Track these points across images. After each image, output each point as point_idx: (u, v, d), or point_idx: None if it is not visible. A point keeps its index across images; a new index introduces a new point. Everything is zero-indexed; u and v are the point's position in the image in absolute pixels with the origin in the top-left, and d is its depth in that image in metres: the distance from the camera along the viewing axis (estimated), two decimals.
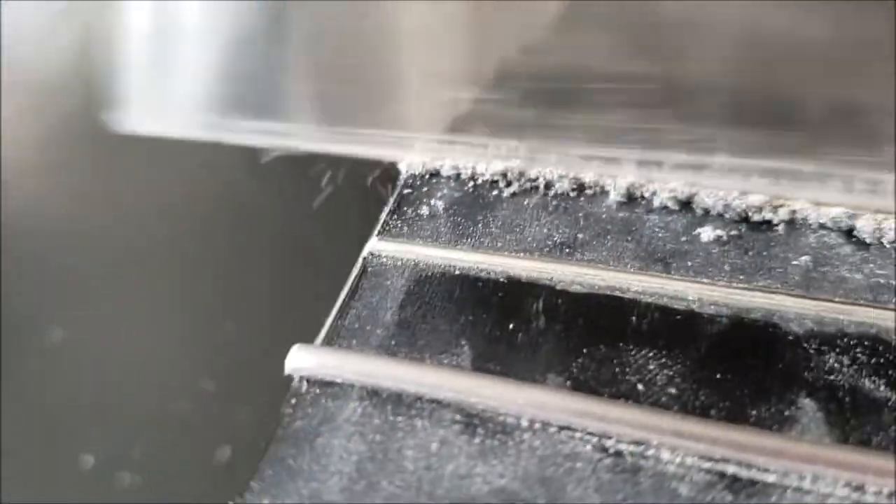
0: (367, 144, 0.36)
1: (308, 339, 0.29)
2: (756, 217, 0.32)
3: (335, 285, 0.31)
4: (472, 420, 0.26)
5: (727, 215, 0.32)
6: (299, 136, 0.37)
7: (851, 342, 0.28)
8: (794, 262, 0.30)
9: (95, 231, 0.44)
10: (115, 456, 0.35)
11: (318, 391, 0.27)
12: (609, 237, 0.31)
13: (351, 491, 0.25)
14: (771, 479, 0.25)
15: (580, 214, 0.32)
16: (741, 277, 0.30)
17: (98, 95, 0.41)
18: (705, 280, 0.30)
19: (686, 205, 0.33)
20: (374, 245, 0.31)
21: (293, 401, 0.27)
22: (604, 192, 0.33)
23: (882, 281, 0.30)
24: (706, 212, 0.32)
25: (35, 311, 0.41)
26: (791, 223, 0.32)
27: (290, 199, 0.41)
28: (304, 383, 0.27)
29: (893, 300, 0.29)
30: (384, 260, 0.31)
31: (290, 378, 0.28)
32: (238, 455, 0.34)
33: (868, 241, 0.31)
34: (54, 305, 0.41)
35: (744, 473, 0.25)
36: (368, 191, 0.36)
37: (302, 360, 0.27)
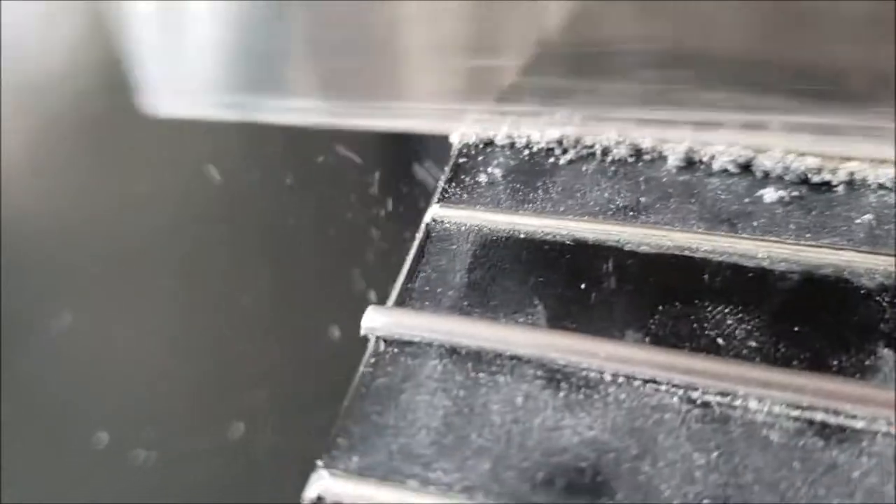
0: (413, 118, 0.35)
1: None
2: (815, 178, 0.32)
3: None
4: (555, 375, 0.26)
5: (787, 177, 0.32)
6: (332, 112, 0.37)
7: None
8: (858, 221, 0.30)
9: (102, 217, 0.43)
10: (128, 434, 0.35)
11: (396, 350, 0.27)
12: (672, 200, 0.31)
13: (440, 444, 0.24)
14: (860, 425, 0.25)
15: (640, 179, 0.32)
16: (807, 236, 0.30)
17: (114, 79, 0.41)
18: (773, 238, 0.30)
19: (745, 168, 0.32)
20: (436, 211, 0.31)
21: (372, 360, 0.26)
22: (662, 157, 0.33)
23: None
24: (766, 174, 0.32)
25: (43, 298, 0.40)
26: (850, 184, 0.32)
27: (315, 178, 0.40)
28: (382, 343, 0.27)
29: None
30: (448, 225, 0.31)
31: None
32: (251, 432, 0.34)
33: None
34: (62, 291, 0.41)
35: (832, 420, 0.25)
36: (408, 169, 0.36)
37: (378, 321, 0.27)
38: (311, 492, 0.23)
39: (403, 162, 0.38)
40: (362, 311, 0.27)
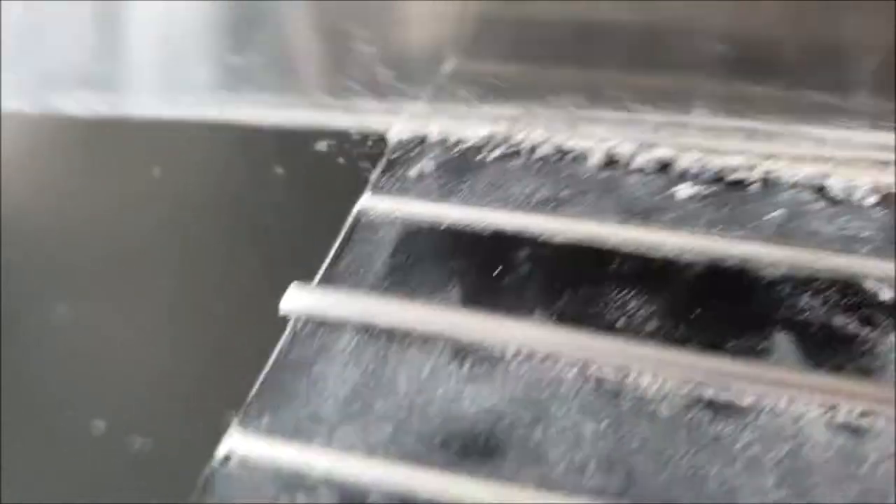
0: (355, 114, 0.37)
1: None
2: (732, 177, 0.33)
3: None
4: (461, 351, 0.27)
5: (704, 175, 0.34)
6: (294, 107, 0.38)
7: (823, 286, 0.29)
8: (768, 217, 0.32)
9: (97, 212, 0.44)
10: (125, 421, 0.36)
11: (313, 327, 0.28)
12: (590, 195, 0.33)
13: (347, 411, 0.26)
14: (747, 401, 0.26)
15: (562, 175, 0.34)
16: (717, 229, 0.31)
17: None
18: (683, 231, 0.31)
19: (664, 167, 0.34)
20: (366, 201, 0.32)
21: (290, 337, 0.28)
22: (584, 156, 0.35)
23: (852, 233, 0.31)
24: (683, 173, 0.34)
25: (40, 288, 0.41)
26: (765, 182, 0.33)
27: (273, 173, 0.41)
28: (300, 321, 0.28)
29: (863, 249, 0.30)
30: (375, 216, 0.32)
31: None
32: None
33: (839, 197, 0.32)
34: (58, 282, 0.41)
35: (721, 397, 0.26)
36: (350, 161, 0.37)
37: (298, 300, 0.29)
38: (221, 449, 0.25)
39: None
40: None
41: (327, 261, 0.30)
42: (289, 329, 0.28)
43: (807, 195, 0.33)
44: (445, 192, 0.33)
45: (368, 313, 0.28)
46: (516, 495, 0.23)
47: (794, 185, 0.33)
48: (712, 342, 0.28)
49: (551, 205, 0.32)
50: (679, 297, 0.29)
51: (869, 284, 0.29)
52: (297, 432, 0.25)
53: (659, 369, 0.27)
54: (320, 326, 0.28)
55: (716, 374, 0.26)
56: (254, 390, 0.26)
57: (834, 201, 0.32)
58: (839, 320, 0.28)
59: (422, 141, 0.35)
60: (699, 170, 0.34)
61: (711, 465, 0.24)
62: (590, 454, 0.25)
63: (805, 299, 0.29)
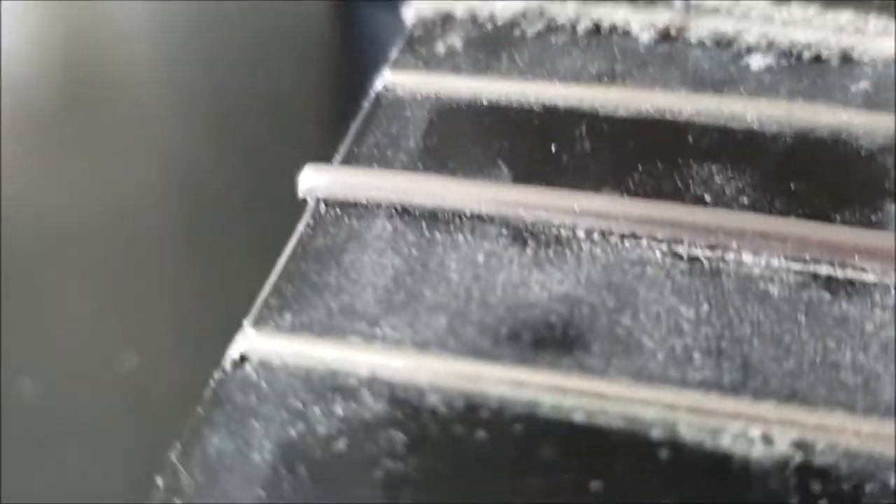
0: None
1: None
2: (806, 53, 0.29)
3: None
4: (521, 233, 0.23)
5: (774, 50, 0.29)
6: None
7: None
8: (853, 88, 0.27)
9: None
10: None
11: (339, 211, 0.23)
12: (650, 67, 0.28)
13: (389, 302, 0.21)
14: (870, 278, 0.21)
15: (615, 49, 0.29)
16: (800, 100, 0.27)
17: None
18: (762, 101, 0.27)
19: (729, 42, 0.29)
20: (388, 78, 0.27)
21: (311, 221, 0.23)
22: (635, 31, 0.30)
23: None
24: (751, 47, 0.29)
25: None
26: (844, 58, 0.29)
27: None
28: (322, 204, 0.23)
29: None
30: (400, 93, 0.27)
31: None
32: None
33: None
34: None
35: (839, 274, 0.22)
36: None
37: (317, 180, 0.24)
38: (232, 352, 0.20)
39: None
40: None
41: (348, 141, 0.25)
42: (308, 213, 0.23)
43: (890, 70, 0.28)
44: (482, 68, 0.28)
45: (405, 193, 0.23)
46: (608, 390, 0.19)
47: (875, 61, 0.29)
48: (817, 215, 0.23)
49: (607, 78, 0.28)
50: (770, 171, 0.25)
51: None
52: (330, 328, 0.20)
53: (762, 243, 0.22)
54: (348, 210, 0.23)
55: (830, 247, 0.22)
56: (270, 283, 0.21)
57: None
58: None
59: (447, 18, 0.30)
60: (767, 45, 0.29)
61: (843, 351, 0.20)
62: (694, 342, 0.20)
63: None
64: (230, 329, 0.21)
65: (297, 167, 0.24)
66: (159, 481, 0.18)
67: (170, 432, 0.19)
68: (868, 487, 0.17)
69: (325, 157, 0.26)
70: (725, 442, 0.18)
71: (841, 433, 0.18)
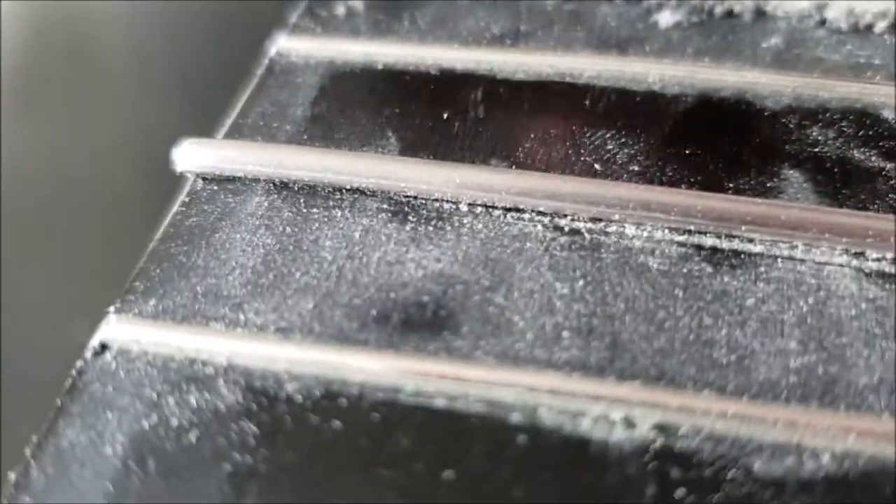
0: None
1: None
2: (718, 8, 0.28)
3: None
4: (402, 207, 0.22)
5: (685, 5, 0.28)
6: None
7: (835, 116, 0.24)
8: (765, 45, 0.26)
9: None
10: None
11: (216, 187, 0.23)
12: (555, 27, 0.27)
13: (256, 284, 0.20)
14: (757, 248, 0.21)
15: (521, 6, 0.28)
16: (706, 59, 0.26)
17: None
18: (667, 61, 0.26)
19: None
20: (282, 44, 0.26)
21: (187, 199, 0.22)
22: None
23: (863, 61, 0.26)
24: (661, 4, 0.28)
25: None
26: (758, 12, 0.28)
27: None
28: (200, 181, 0.23)
29: (877, 77, 0.25)
30: (294, 59, 0.26)
31: None
32: None
33: (843, 27, 0.27)
34: None
35: (725, 245, 0.21)
36: None
37: (196, 156, 0.23)
38: (94, 340, 0.19)
39: None
40: None
41: (234, 112, 0.25)
42: (185, 191, 0.22)
43: (806, 24, 0.27)
44: (381, 31, 0.27)
45: (283, 167, 0.22)
46: (472, 374, 0.18)
47: (790, 16, 0.28)
48: (709, 183, 0.23)
49: (510, 39, 0.27)
50: (667, 136, 0.24)
51: (887, 114, 0.24)
52: (193, 314, 0.20)
53: (646, 214, 0.21)
54: (225, 186, 0.23)
55: (716, 216, 0.21)
56: (137, 267, 0.20)
57: (837, 30, 0.27)
58: (857, 154, 0.23)
59: None
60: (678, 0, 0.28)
61: (718, 328, 0.19)
62: (565, 320, 0.19)
63: (816, 132, 0.24)
64: None
65: None
66: (11, 476, 0.17)
67: None
68: (730, 474, 0.17)
69: None
70: (585, 426, 0.18)
71: (706, 415, 0.18)
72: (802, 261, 0.21)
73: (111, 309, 0.20)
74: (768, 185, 0.23)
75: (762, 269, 0.21)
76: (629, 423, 0.18)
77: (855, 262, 0.21)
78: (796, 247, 0.21)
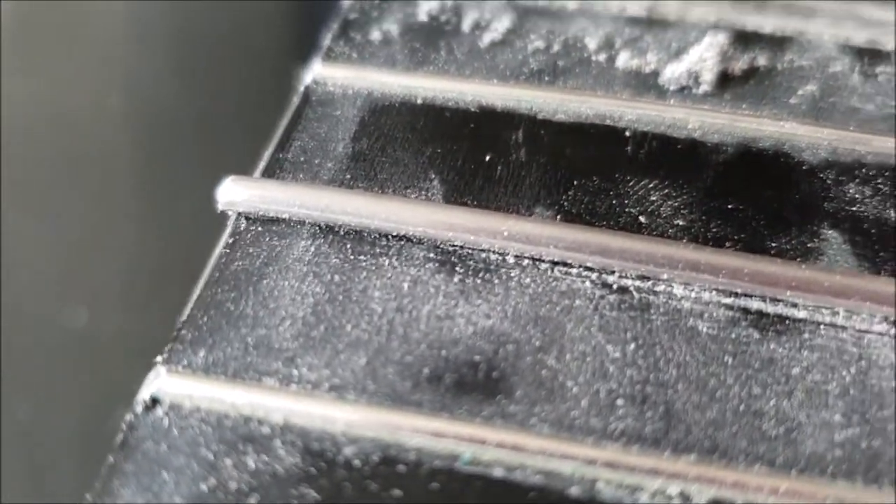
0: None
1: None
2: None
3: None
4: (449, 257, 0.22)
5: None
6: None
7: (871, 172, 0.24)
8: (800, 92, 0.27)
9: None
10: None
11: (260, 228, 0.22)
12: (594, 65, 0.27)
13: (307, 337, 0.20)
14: (801, 314, 0.21)
15: (554, 42, 0.28)
16: (744, 106, 0.26)
17: None
18: (706, 107, 0.26)
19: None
20: (319, 71, 0.26)
21: (231, 240, 0.22)
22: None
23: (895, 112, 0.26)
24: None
25: None
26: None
27: None
28: (243, 220, 0.22)
29: None
30: (331, 88, 0.26)
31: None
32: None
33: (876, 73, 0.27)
34: None
35: (770, 309, 0.21)
36: None
37: (238, 194, 0.23)
38: (144, 393, 0.19)
39: None
40: None
41: (273, 144, 0.24)
42: (227, 233, 0.22)
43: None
44: (418, 60, 0.27)
45: (329, 210, 0.22)
46: (529, 443, 0.18)
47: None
48: (753, 242, 0.23)
49: (548, 76, 0.26)
50: (709, 187, 0.24)
51: None
52: (245, 368, 0.19)
53: (693, 275, 0.21)
54: (269, 227, 0.22)
55: (763, 280, 0.21)
56: (185, 314, 0.20)
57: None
58: (893, 215, 0.23)
59: (383, 0, 0.29)
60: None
61: (766, 398, 0.20)
62: (618, 387, 0.20)
63: (853, 189, 0.24)
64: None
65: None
66: None
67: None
68: None
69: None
70: (643, 500, 0.18)
71: (758, 492, 0.18)
72: (844, 328, 0.21)
73: (159, 359, 0.20)
74: (808, 245, 0.23)
75: (806, 335, 0.21)
76: (685, 498, 0.18)
77: (894, 331, 0.21)
78: (838, 313, 0.21)
